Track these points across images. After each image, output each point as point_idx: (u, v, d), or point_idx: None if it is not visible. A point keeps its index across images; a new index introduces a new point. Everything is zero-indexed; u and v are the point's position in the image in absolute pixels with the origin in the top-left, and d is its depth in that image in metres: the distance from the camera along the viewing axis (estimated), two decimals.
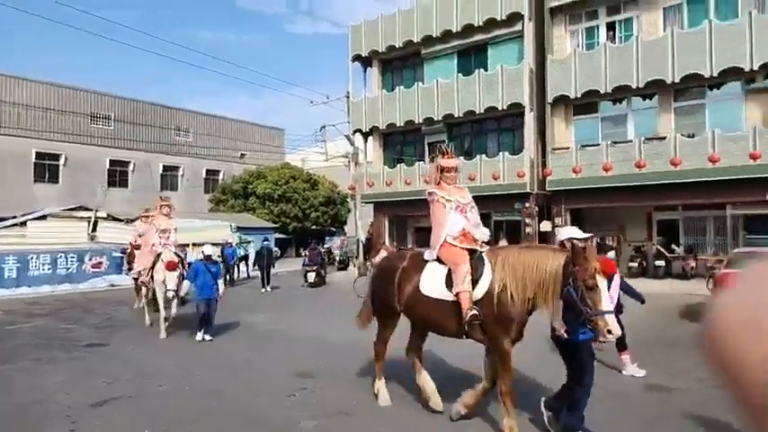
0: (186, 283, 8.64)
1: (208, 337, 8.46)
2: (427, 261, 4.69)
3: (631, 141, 17.29)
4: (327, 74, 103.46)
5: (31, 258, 15.68)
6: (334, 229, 34.91)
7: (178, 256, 9.13)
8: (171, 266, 8.55)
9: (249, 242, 23.44)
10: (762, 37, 14.65)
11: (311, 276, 17.98)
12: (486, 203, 19.91)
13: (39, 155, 25.35)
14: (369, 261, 17.86)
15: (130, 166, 29.04)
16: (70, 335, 9.32)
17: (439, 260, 4.57)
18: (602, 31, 18.48)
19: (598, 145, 17.80)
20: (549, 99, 18.51)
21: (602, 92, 17.55)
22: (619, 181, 16.93)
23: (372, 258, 16.44)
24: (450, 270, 4.40)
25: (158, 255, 8.93)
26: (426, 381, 5.11)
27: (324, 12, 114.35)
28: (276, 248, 28.92)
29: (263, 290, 16.08)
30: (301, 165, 35.30)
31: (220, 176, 33.62)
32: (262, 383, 6.30)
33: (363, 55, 23.36)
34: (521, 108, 19.10)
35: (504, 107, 19.30)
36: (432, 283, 4.54)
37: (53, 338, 9.00)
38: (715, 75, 15.51)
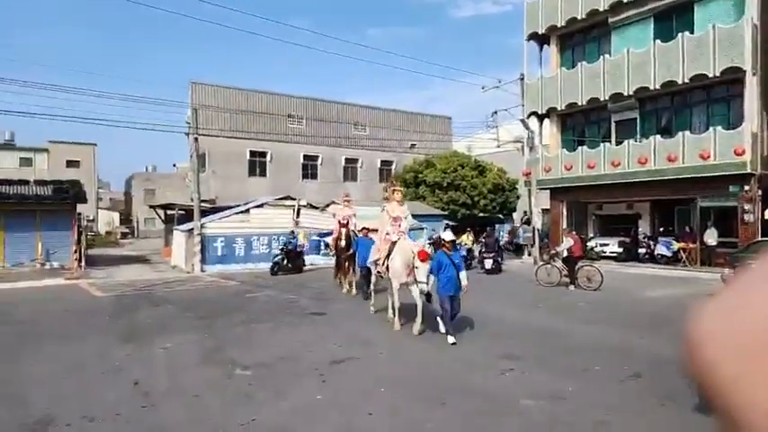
0: (432, 277, 7.66)
1: (451, 340, 7.24)
2: None
3: None
4: (492, 57, 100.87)
5: (254, 240, 18.90)
6: (502, 217, 34.24)
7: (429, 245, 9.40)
8: (424, 257, 7.63)
9: (421, 229, 24.41)
10: None
11: (488, 263, 17.99)
12: (690, 187, 17.45)
13: (252, 153, 30.19)
14: (550, 249, 17.12)
15: (319, 160, 32.58)
16: (295, 304, 10.99)
17: None
18: None
19: None
20: None
21: None
22: None
23: (555, 248, 15.72)
24: None
25: (393, 243, 8.50)
26: None
27: None
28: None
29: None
30: (467, 152, 35.31)
31: (393, 167, 35.55)
32: (472, 360, 6.61)
33: (540, 32, 22.25)
34: (739, 73, 16.20)
35: (717, 74, 16.56)
36: None
37: (283, 306, 10.73)
38: None
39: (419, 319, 7.94)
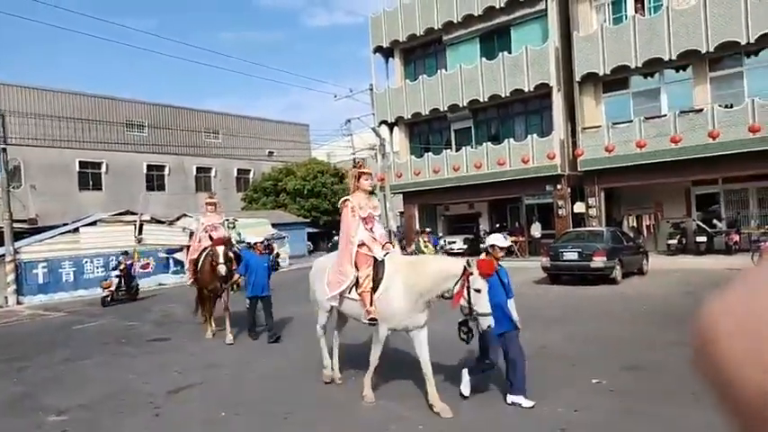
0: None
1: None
2: None
3: (666, 116, 17.00)
4: (348, 66, 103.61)
5: (86, 262, 16.62)
6: None
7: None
8: (490, 269, 4.78)
9: (282, 238, 23.99)
10: None
11: None
12: (517, 187, 19.93)
13: (82, 164, 26.57)
14: (404, 250, 18.10)
15: (166, 170, 30.04)
16: (134, 331, 9.94)
17: None
18: (630, 4, 18.08)
19: (630, 121, 17.54)
20: (577, 77, 18.30)
21: (632, 66, 17.26)
22: (654, 157, 16.70)
23: (408, 248, 16.69)
24: None
25: (379, 262, 5.63)
26: None
27: (338, 2, 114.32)
28: (309, 243, 29.59)
29: None
30: (327, 159, 35.78)
31: (251, 175, 34.40)
32: (314, 369, 6.61)
33: (384, 46, 23.48)
34: (548, 89, 18.95)
35: (531, 89, 19.18)
36: None
37: (120, 335, 9.62)
38: (752, 41, 15.08)
39: (431, 387, 4.94)
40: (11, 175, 17.98)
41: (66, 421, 5.22)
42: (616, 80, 18.23)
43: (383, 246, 5.43)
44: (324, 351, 6.07)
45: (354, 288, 5.31)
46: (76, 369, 7.33)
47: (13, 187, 18.95)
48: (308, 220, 29.99)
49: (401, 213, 26.50)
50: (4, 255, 15.50)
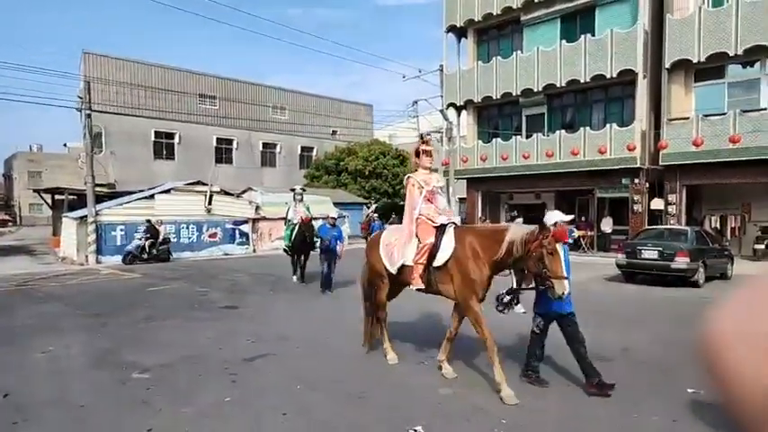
0: None
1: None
2: None
3: (765, 109, 15.43)
4: (415, 47, 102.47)
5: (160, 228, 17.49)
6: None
7: None
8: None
9: (343, 217, 24.13)
10: None
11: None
12: (590, 179, 18.88)
13: (157, 134, 27.89)
14: None
15: (234, 144, 30.97)
16: (205, 297, 10.29)
17: None
18: None
19: (724, 114, 16.05)
20: (667, 64, 16.90)
21: (731, 54, 15.71)
22: (748, 154, 15.27)
23: None
24: None
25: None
26: None
27: None
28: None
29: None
30: (389, 140, 35.56)
31: (314, 153, 34.84)
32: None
33: (458, 25, 22.73)
34: (632, 75, 17.67)
35: (614, 75, 17.94)
36: None
37: (192, 300, 9.99)
38: None
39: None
40: (94, 140, 19.09)
41: (149, 380, 5.38)
42: (711, 68, 16.68)
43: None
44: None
45: None
46: (154, 329, 7.63)
47: (95, 153, 20.13)
48: (368, 201, 30.04)
49: (461, 200, 25.95)
50: (86, 216, 16.57)
